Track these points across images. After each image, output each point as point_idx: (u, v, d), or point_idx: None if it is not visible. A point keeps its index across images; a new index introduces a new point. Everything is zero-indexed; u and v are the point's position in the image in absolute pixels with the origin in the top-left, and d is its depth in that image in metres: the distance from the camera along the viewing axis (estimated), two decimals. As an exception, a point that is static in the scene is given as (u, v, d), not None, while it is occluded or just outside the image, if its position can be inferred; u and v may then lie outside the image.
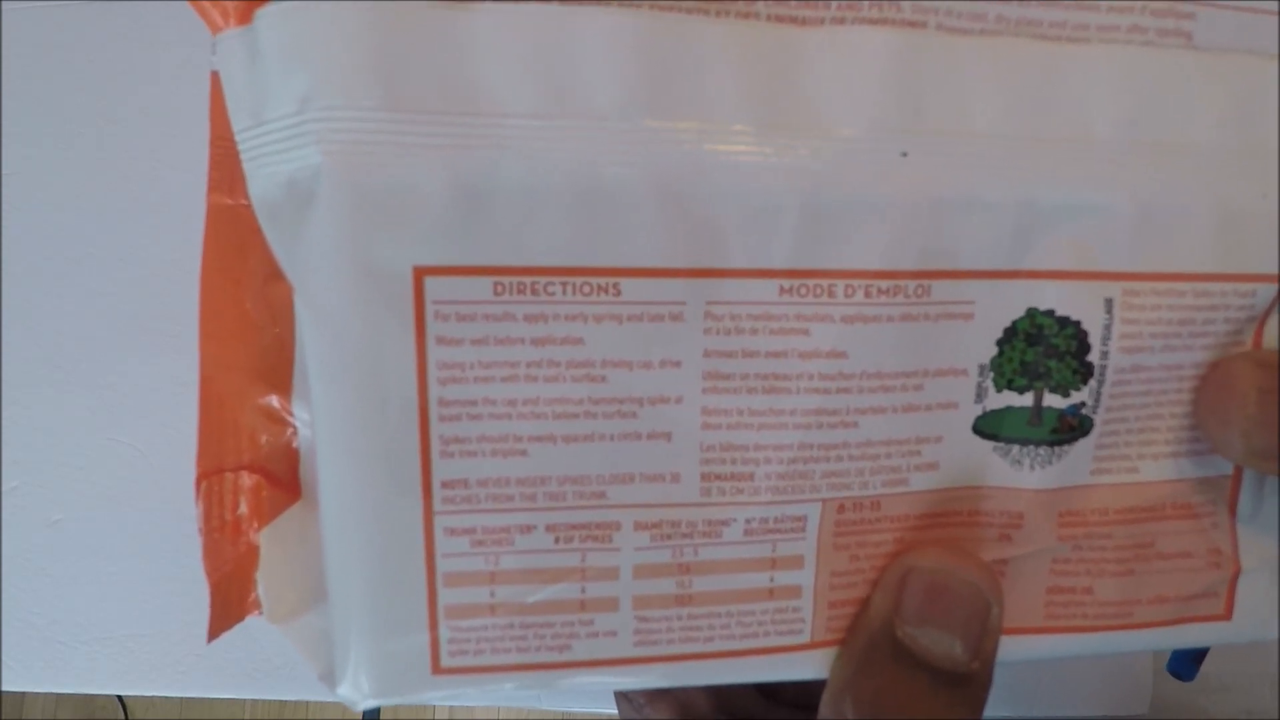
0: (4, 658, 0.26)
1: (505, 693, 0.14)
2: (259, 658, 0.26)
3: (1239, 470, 0.15)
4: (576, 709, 0.26)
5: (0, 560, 0.26)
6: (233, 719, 0.85)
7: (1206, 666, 0.24)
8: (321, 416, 0.13)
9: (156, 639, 0.26)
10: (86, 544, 0.26)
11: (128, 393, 0.26)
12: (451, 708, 0.82)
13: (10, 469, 0.26)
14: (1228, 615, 0.16)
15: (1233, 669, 0.25)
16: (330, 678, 0.14)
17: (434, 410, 0.13)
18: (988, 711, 0.26)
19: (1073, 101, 0.13)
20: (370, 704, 0.14)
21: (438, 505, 0.13)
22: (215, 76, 0.16)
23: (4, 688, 0.26)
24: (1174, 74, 0.13)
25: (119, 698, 0.87)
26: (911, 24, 0.13)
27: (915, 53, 0.13)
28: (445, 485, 0.13)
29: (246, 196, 0.16)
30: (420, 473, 0.13)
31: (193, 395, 0.16)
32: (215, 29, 0.14)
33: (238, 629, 0.26)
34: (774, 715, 0.20)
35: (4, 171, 0.26)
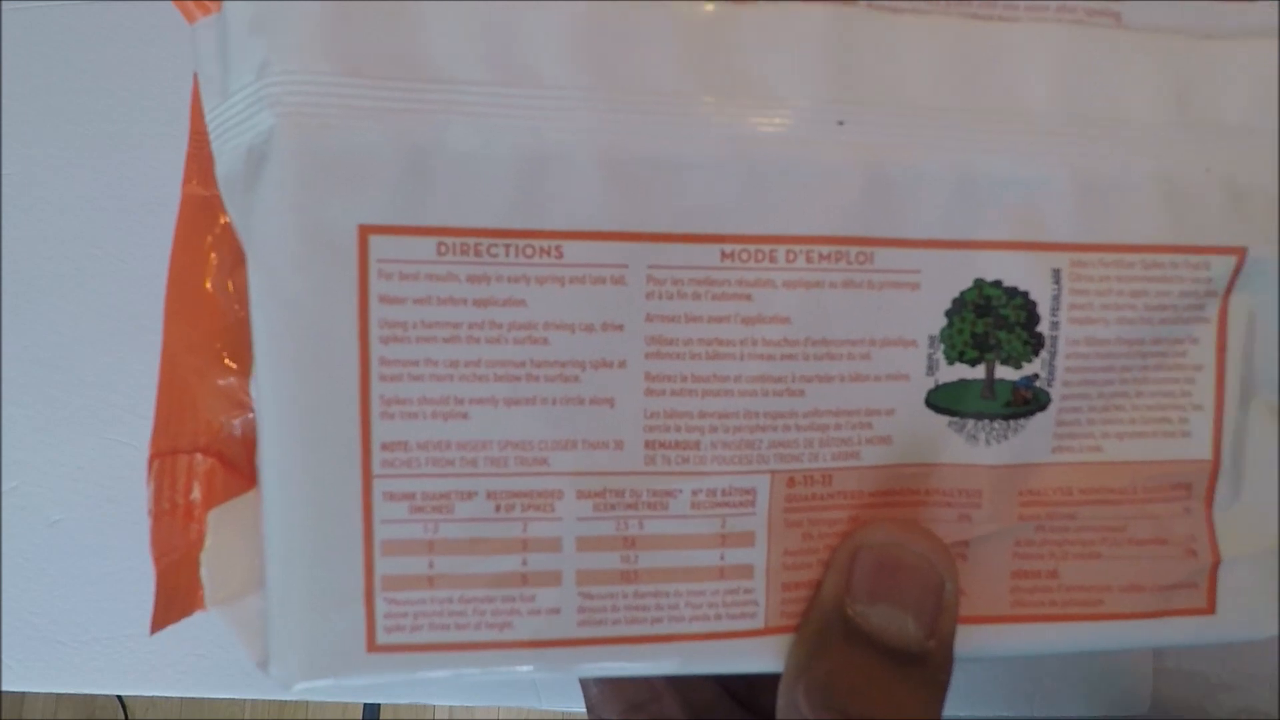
0: (4, 658, 0.26)
1: (441, 681, 0.14)
2: None
3: (1217, 453, 0.15)
4: (577, 709, 0.25)
5: (0, 560, 0.26)
6: (233, 719, 0.82)
7: (1206, 666, 0.24)
8: (264, 376, 0.13)
9: (156, 639, 0.25)
10: (86, 544, 0.26)
11: (128, 393, 0.26)
12: (452, 708, 0.78)
13: (10, 469, 0.26)
14: (1210, 609, 0.15)
15: (1232, 669, 0.24)
16: (265, 661, 0.14)
17: (375, 369, 0.13)
18: (988, 711, 0.24)
19: (1005, 77, 0.14)
20: (302, 685, 0.13)
21: (377, 468, 0.13)
22: (197, 77, 0.17)
23: (4, 688, 0.26)
24: (1105, 50, 0.14)
25: (119, 698, 0.84)
26: (843, 1, 0.13)
27: (848, 27, 0.13)
28: (385, 447, 0.13)
29: (218, 185, 0.16)
30: (360, 434, 0.13)
31: None
32: (191, 19, 0.14)
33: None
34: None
35: (4, 171, 0.26)
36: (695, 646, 0.14)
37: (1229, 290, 0.14)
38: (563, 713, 0.26)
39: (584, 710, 0.25)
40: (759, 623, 0.14)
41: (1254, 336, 0.15)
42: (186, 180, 0.17)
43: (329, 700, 0.27)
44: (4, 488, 0.26)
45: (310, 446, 0.13)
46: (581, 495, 0.13)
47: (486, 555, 0.13)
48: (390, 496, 0.13)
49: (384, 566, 0.13)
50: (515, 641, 0.14)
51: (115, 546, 0.26)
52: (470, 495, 0.13)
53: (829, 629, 0.13)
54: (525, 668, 0.14)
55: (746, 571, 0.14)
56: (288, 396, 0.13)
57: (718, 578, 0.14)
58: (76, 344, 0.26)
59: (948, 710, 0.13)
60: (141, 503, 0.25)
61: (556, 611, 0.14)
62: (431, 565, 0.13)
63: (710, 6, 0.13)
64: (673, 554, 0.14)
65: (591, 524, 0.14)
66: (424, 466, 0.13)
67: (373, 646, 0.13)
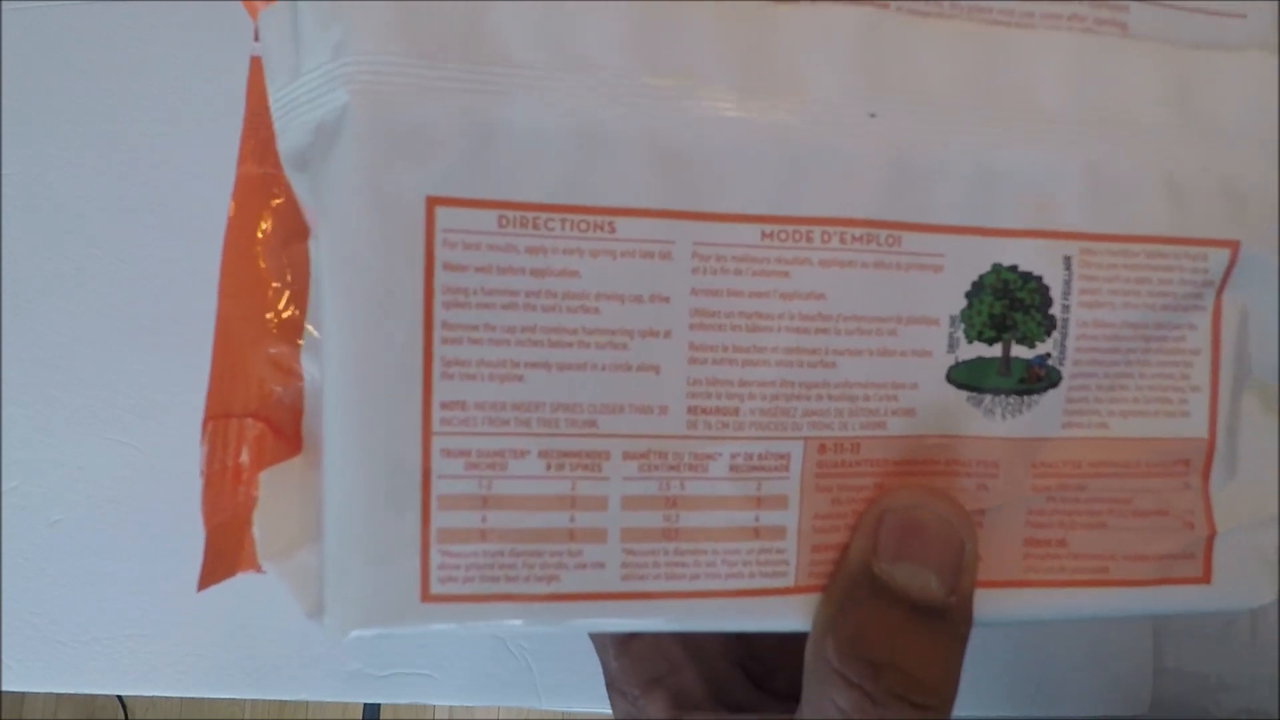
0: (4, 658, 0.25)
1: (493, 628, 0.14)
2: (259, 658, 0.25)
3: (1213, 432, 0.16)
4: (577, 709, 0.25)
5: (0, 560, 0.26)
6: (233, 719, 0.81)
7: (1206, 666, 0.24)
8: (333, 337, 0.14)
9: (156, 639, 0.25)
10: (86, 544, 0.26)
11: (128, 393, 0.26)
12: (452, 708, 0.77)
13: (10, 469, 0.26)
14: (1206, 579, 0.16)
15: (1233, 669, 0.25)
16: (319, 611, 0.15)
17: (437, 332, 0.14)
18: (989, 711, 0.25)
19: (1021, 77, 0.15)
20: (356, 633, 0.14)
21: (436, 425, 0.14)
22: (255, 61, 0.18)
23: (4, 688, 0.25)
24: (1113, 56, 0.15)
25: (119, 698, 0.83)
26: (875, 5, 0.15)
27: (880, 28, 0.14)
28: (444, 406, 0.14)
29: (274, 165, 0.17)
30: (421, 392, 0.14)
31: (193, 396, 0.17)
32: (255, 11, 0.15)
33: (238, 630, 0.26)
34: (767, 706, 0.19)
35: (4, 171, 0.26)
36: (729, 603, 0.15)
37: (1224, 281, 0.16)
38: (563, 713, 0.26)
39: (584, 710, 0.25)
40: (789, 581, 0.15)
41: (1247, 324, 0.16)
42: (241, 160, 0.18)
43: (331, 699, 0.27)
44: (4, 488, 0.26)
45: (373, 403, 0.14)
46: (628, 456, 0.14)
47: (537, 511, 0.14)
48: (447, 453, 0.14)
49: (440, 520, 0.14)
50: (561, 594, 0.14)
51: (115, 546, 0.26)
52: (523, 454, 0.14)
53: (857, 586, 0.14)
54: (571, 620, 0.14)
55: (779, 533, 0.15)
56: (354, 355, 0.14)
57: (752, 538, 0.15)
58: (76, 344, 0.26)
59: None
60: (142, 502, 0.26)
61: (601, 566, 0.14)
62: (484, 519, 0.14)
63: (752, 4, 0.14)
64: (711, 514, 0.15)
65: (636, 484, 0.14)
66: (480, 425, 0.14)
67: (426, 596, 0.14)
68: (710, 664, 0.20)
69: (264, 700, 0.27)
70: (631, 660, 0.20)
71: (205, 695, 0.26)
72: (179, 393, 0.26)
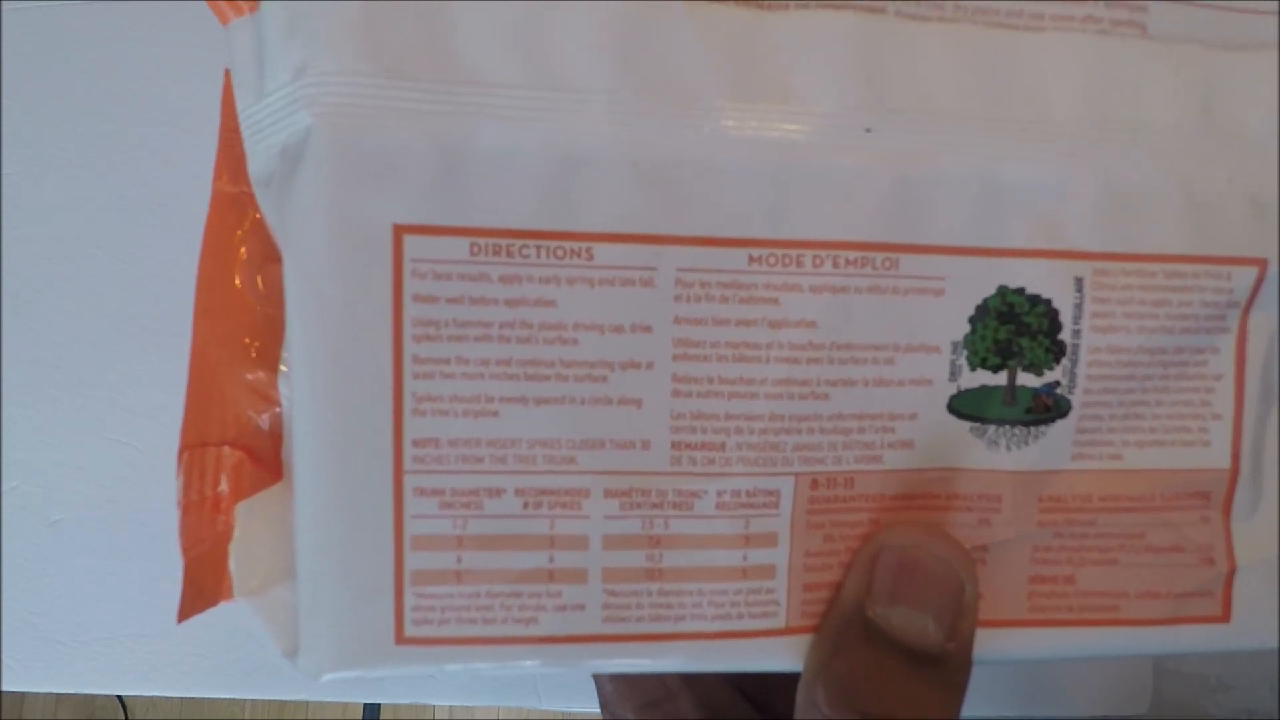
0: (4, 658, 0.26)
1: (467, 671, 0.14)
2: (258, 658, 0.25)
3: (1236, 462, 0.15)
4: (577, 709, 0.25)
5: (0, 560, 0.26)
6: (233, 719, 0.82)
7: (1206, 667, 0.24)
8: (299, 373, 0.13)
9: (156, 639, 0.25)
10: (86, 544, 0.26)
11: (128, 393, 0.26)
12: (452, 708, 0.78)
13: (10, 469, 0.26)
14: (1225, 617, 0.15)
15: (1233, 669, 0.24)
16: (294, 651, 0.14)
17: (408, 367, 0.13)
18: (989, 711, 0.25)
19: (1030, 84, 0.14)
20: (330, 676, 0.14)
21: (408, 464, 0.13)
22: (228, 74, 0.17)
23: (4, 688, 0.25)
24: (1130, 60, 0.14)
25: (119, 698, 0.85)
26: (870, 10, 0.14)
27: (875, 36, 0.13)
28: (416, 444, 0.13)
29: (248, 184, 0.17)
30: (392, 430, 0.13)
31: None
32: (225, 20, 0.15)
33: (237, 629, 0.26)
34: (761, 732, 0.19)
35: (4, 171, 0.26)
36: (717, 645, 0.14)
37: (1250, 301, 0.15)
38: (562, 713, 0.27)
39: (583, 710, 0.25)
40: (780, 622, 0.14)
41: (1274, 347, 0.15)
42: (217, 177, 0.17)
43: (331, 699, 0.27)
44: (4, 488, 0.26)
45: (343, 442, 0.13)
46: (608, 494, 0.14)
47: (514, 551, 0.14)
48: (421, 492, 0.13)
49: (413, 561, 0.13)
50: (540, 637, 0.14)
51: (115, 546, 0.26)
52: (499, 492, 0.13)
53: (849, 629, 0.14)
54: (549, 662, 0.14)
55: (769, 572, 0.14)
56: (321, 392, 0.13)
57: (740, 578, 0.14)
58: (76, 344, 0.26)
59: None
60: (142, 502, 0.26)
61: (581, 608, 0.14)
62: (460, 560, 0.14)
63: (740, 12, 0.13)
64: (697, 553, 0.14)
65: (618, 522, 0.14)
66: (454, 463, 0.13)
67: (401, 639, 0.14)
68: (707, 688, 0.20)
69: (264, 700, 0.27)
70: (627, 684, 0.20)
71: (205, 695, 0.26)
72: (179, 393, 0.26)
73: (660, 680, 0.20)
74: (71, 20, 0.26)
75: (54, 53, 0.26)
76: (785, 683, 0.20)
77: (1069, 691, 0.25)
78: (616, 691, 0.20)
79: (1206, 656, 0.25)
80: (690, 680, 0.19)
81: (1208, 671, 0.25)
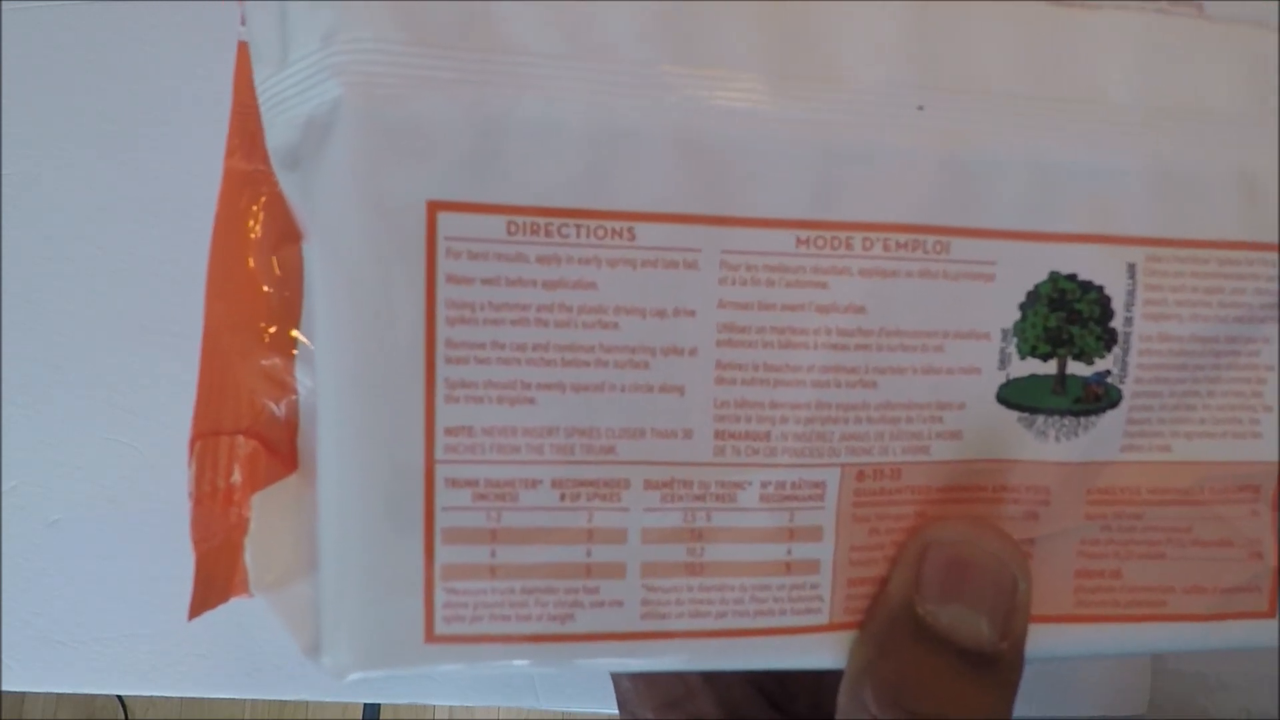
0: (4, 658, 0.25)
1: (499, 669, 0.13)
2: (259, 658, 0.25)
3: None
4: (577, 709, 0.24)
5: (0, 560, 0.25)
6: (233, 719, 0.82)
7: (1206, 666, 0.24)
8: (324, 357, 0.13)
9: (156, 639, 0.25)
10: (86, 544, 0.25)
11: (128, 393, 0.26)
12: (452, 707, 0.78)
13: (10, 469, 0.26)
14: (1272, 612, 0.15)
15: (1233, 669, 0.24)
16: (316, 648, 0.14)
17: (440, 351, 0.12)
18: None
19: (1086, 64, 0.13)
20: (356, 675, 0.13)
21: (440, 454, 0.13)
22: (242, 47, 0.16)
23: (4, 688, 0.25)
24: (1187, 41, 0.14)
25: (119, 698, 0.84)
26: (926, -16, 0.13)
27: (928, 11, 0.13)
28: (449, 432, 0.13)
29: (263, 161, 0.16)
30: (424, 417, 0.13)
31: (193, 396, 0.16)
32: (244, -13, 0.14)
33: (238, 629, 0.26)
34: (786, 731, 0.18)
35: (4, 171, 0.26)
36: (758, 642, 0.14)
37: None
38: (562, 712, 0.26)
39: (583, 710, 0.25)
40: (823, 618, 0.14)
41: None
42: (229, 154, 0.16)
43: (331, 699, 0.27)
44: (4, 488, 0.26)
45: (371, 430, 0.13)
46: (649, 485, 0.13)
47: (550, 545, 0.13)
48: (453, 483, 0.13)
49: (445, 555, 0.13)
50: (576, 634, 0.13)
51: (115, 546, 0.25)
52: (535, 483, 0.13)
53: (897, 627, 0.13)
54: (585, 660, 0.13)
55: (813, 567, 0.14)
56: (348, 378, 0.13)
57: (783, 572, 0.14)
58: (76, 344, 0.26)
59: None
60: (142, 502, 0.25)
61: (619, 604, 0.13)
62: (493, 554, 0.13)
63: (791, -15, 0.13)
64: (739, 547, 0.13)
65: (658, 515, 0.13)
66: (488, 453, 0.13)
67: (431, 637, 0.13)
68: (727, 686, 0.19)
69: (264, 700, 0.27)
70: (645, 682, 0.19)
71: (205, 695, 0.26)
72: (179, 393, 0.26)
73: (680, 678, 0.19)
74: (71, 20, 0.26)
75: (54, 53, 0.26)
76: (804, 681, 0.19)
77: (1068, 691, 0.25)
78: (635, 690, 0.20)
79: (1204, 655, 0.24)
80: (710, 678, 0.19)
81: (1207, 671, 0.25)
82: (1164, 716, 0.25)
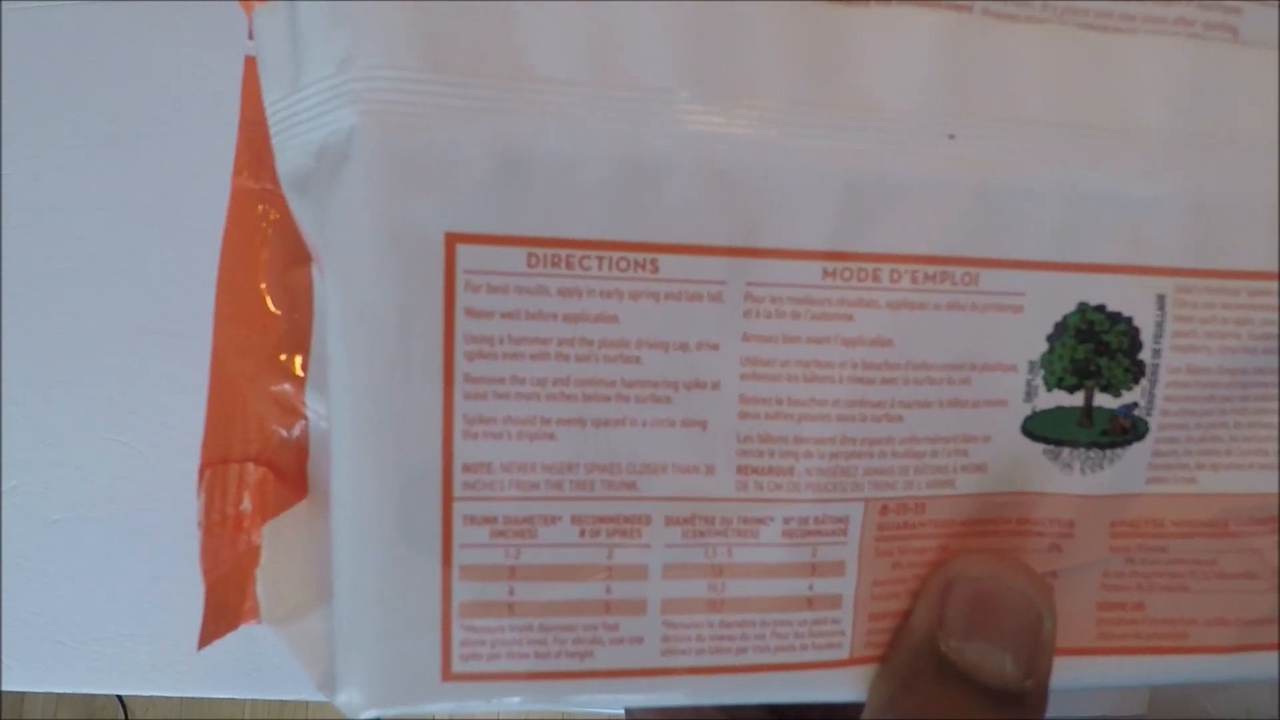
0: (4, 658, 0.25)
1: (518, 707, 0.13)
2: (259, 658, 0.25)
3: None
4: (576, 709, 0.24)
5: (0, 560, 0.25)
6: (233, 719, 0.82)
7: None
8: (339, 391, 0.12)
9: (156, 639, 0.25)
10: (86, 544, 0.25)
11: (128, 393, 0.25)
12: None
13: (10, 469, 0.26)
14: (1294, 643, 0.15)
15: None
16: (330, 684, 0.13)
17: (459, 387, 0.12)
18: None
19: (1121, 91, 0.13)
20: (372, 713, 0.13)
21: (458, 490, 0.12)
22: (249, 61, 0.16)
23: (4, 688, 0.25)
24: (1223, 66, 0.13)
25: (119, 698, 0.84)
26: (956, 8, 0.13)
27: (961, 35, 0.13)
28: (467, 469, 0.12)
29: (272, 180, 0.15)
30: (441, 454, 0.12)
31: (193, 396, 0.16)
32: (250, 4, 0.14)
33: (238, 630, 0.26)
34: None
35: (4, 171, 0.26)
36: (778, 677, 0.13)
37: None
38: (562, 713, 0.26)
39: (583, 710, 0.24)
40: (844, 653, 0.14)
41: None
42: (236, 172, 0.16)
43: (328, 699, 0.27)
44: (4, 487, 0.26)
45: (387, 466, 0.12)
46: (670, 521, 0.13)
47: (569, 582, 0.13)
48: (471, 520, 0.12)
49: (462, 592, 0.13)
50: (595, 670, 0.13)
51: (115, 546, 0.25)
52: (554, 520, 0.13)
53: (919, 663, 0.13)
54: (605, 697, 0.13)
55: (835, 602, 0.13)
56: (364, 413, 0.12)
57: (805, 608, 0.13)
58: (76, 344, 0.26)
59: None
60: (142, 502, 0.25)
61: (639, 640, 0.13)
62: (512, 592, 0.13)
63: (817, 9, 0.12)
64: (761, 583, 0.13)
65: (679, 551, 0.13)
66: (507, 489, 0.12)
67: (448, 675, 0.13)
68: (740, 709, 0.19)
69: (264, 700, 0.27)
70: (660, 713, 0.19)
71: (205, 695, 0.26)
72: (179, 393, 0.25)
73: (695, 708, 0.19)
74: (71, 20, 0.26)
75: (54, 53, 0.26)
76: (821, 712, 0.19)
77: (1068, 692, 0.25)
78: (644, 713, 0.19)
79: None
80: (725, 707, 0.19)
81: None
82: (1164, 716, 0.25)
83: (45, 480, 0.25)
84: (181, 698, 0.26)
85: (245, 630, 0.26)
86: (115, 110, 0.26)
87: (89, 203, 0.26)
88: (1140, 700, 0.25)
